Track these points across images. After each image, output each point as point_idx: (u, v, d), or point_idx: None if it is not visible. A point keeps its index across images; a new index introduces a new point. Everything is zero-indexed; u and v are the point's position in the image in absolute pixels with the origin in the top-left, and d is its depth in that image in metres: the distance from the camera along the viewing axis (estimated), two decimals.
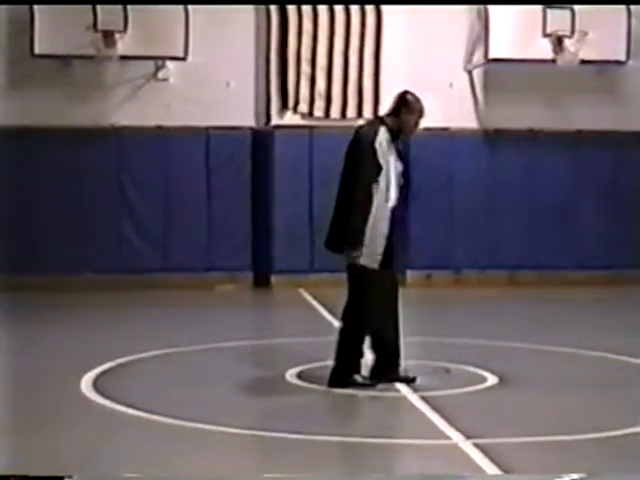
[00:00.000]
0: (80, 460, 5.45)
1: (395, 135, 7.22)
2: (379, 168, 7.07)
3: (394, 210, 7.20)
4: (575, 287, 14.49)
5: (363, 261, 7.09)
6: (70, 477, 4.86)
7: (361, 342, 7.24)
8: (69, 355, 8.88)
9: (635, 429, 6.06)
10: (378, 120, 7.42)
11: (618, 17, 14.73)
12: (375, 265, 7.12)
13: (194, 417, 6.31)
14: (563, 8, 14.57)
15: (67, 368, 8.12)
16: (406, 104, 7.24)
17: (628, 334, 10.01)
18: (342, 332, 7.29)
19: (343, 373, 7.21)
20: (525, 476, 5.14)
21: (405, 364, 7.34)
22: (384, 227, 7.14)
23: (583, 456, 5.56)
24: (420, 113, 7.27)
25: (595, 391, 7.33)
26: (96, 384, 7.42)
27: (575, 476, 4.81)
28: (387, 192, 7.14)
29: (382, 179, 7.09)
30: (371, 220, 7.08)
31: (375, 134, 7.13)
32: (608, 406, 6.85)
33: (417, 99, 7.30)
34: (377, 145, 7.09)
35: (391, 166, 7.15)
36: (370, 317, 7.18)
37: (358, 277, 7.16)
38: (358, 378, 7.23)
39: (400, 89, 7.51)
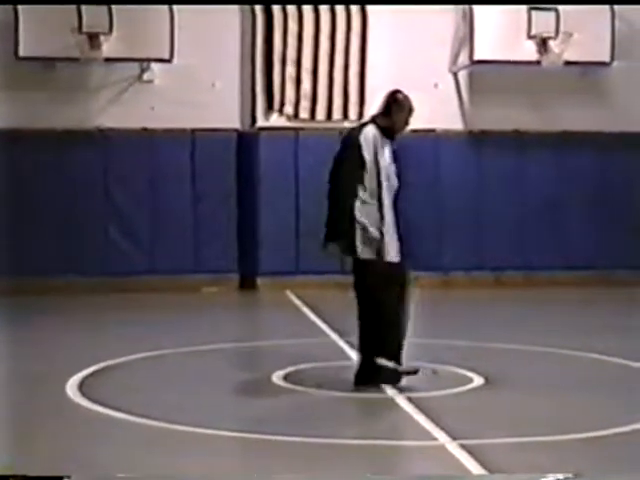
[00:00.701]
0: (67, 464, 5.43)
1: (388, 135, 7.30)
2: (363, 162, 7.13)
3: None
4: (562, 288, 14.51)
5: (365, 255, 7.11)
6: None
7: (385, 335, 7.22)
8: (54, 358, 8.84)
9: (622, 429, 6.08)
10: (370, 120, 7.46)
11: (602, 18, 14.78)
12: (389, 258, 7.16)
13: (180, 420, 6.29)
14: (548, 10, 14.62)
15: (53, 371, 8.09)
16: (397, 102, 7.37)
17: (615, 335, 10.03)
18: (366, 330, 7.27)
19: (373, 370, 7.20)
20: (511, 476, 5.14)
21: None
22: (391, 220, 7.21)
23: (570, 456, 5.57)
24: (410, 111, 7.41)
25: (582, 392, 7.34)
26: (82, 387, 7.39)
27: (561, 476, 4.81)
28: (379, 188, 7.17)
29: (369, 173, 7.14)
30: (374, 214, 7.13)
31: (360, 131, 7.24)
32: (595, 406, 6.86)
33: (406, 97, 7.44)
34: (362, 139, 7.17)
35: (381, 164, 7.20)
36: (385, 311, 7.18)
37: (366, 274, 7.16)
38: (385, 362, 7.19)
39: (386, 90, 7.55)
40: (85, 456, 5.64)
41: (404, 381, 7.31)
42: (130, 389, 7.55)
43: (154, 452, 5.69)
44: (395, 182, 7.36)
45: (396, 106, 7.34)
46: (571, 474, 4.85)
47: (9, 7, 13.91)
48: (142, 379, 8.03)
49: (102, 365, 8.28)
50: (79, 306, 12.93)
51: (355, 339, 7.42)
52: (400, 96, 7.41)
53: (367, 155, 7.17)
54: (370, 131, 7.24)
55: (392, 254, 7.21)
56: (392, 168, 7.36)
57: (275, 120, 15.06)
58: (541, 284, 14.85)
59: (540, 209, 15.33)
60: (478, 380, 7.60)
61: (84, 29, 13.91)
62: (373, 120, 7.38)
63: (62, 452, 5.70)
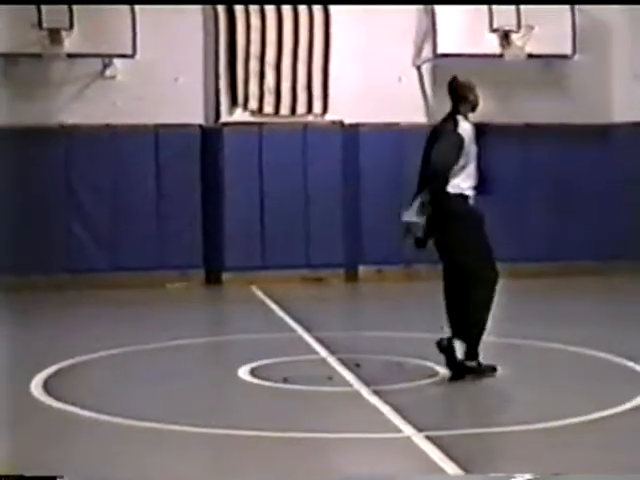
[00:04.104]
0: (31, 462, 5.40)
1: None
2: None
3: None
4: (520, 279, 14.56)
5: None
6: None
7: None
8: (17, 357, 8.77)
9: (585, 417, 6.13)
10: (450, 114, 7.60)
11: (563, 12, 14.88)
12: None
13: (146, 416, 6.28)
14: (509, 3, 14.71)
15: (16, 369, 8.04)
16: (463, 85, 7.68)
17: (577, 325, 10.12)
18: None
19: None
20: (480, 476, 5.13)
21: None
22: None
23: (534, 447, 5.61)
24: (473, 85, 7.73)
25: (550, 382, 7.39)
26: (47, 386, 7.35)
27: (529, 476, 4.81)
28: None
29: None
30: None
31: (456, 124, 7.49)
32: (561, 396, 6.90)
33: (457, 76, 7.74)
34: (460, 131, 7.48)
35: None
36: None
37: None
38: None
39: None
40: (45, 454, 5.61)
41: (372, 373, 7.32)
42: (96, 387, 7.53)
43: (122, 450, 5.67)
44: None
45: (467, 88, 7.66)
46: (539, 475, 4.84)
47: None
48: (108, 377, 8.00)
49: (67, 363, 8.23)
50: (42, 304, 12.84)
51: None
52: (459, 79, 7.71)
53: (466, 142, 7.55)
54: (464, 124, 7.52)
55: None
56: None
57: (239, 115, 15.03)
58: (501, 275, 14.87)
59: (502, 201, 15.36)
60: (444, 372, 7.63)
61: (44, 25, 13.80)
62: (457, 111, 7.55)
63: (21, 450, 5.66)
